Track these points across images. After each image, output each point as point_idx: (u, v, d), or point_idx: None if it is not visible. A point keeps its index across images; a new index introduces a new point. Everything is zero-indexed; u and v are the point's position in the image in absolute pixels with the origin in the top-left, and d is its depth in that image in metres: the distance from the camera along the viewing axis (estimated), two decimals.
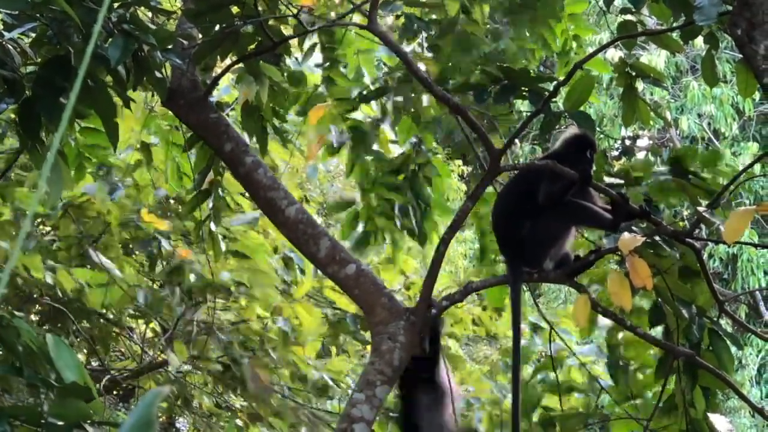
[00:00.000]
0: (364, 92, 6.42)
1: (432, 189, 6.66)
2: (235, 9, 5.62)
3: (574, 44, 6.62)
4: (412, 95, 6.25)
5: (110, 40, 4.42)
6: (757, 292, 19.16)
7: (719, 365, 5.07)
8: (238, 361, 7.54)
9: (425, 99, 6.36)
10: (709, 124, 20.54)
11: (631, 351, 5.61)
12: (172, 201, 7.97)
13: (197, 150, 6.29)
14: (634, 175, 5.32)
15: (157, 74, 4.83)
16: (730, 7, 4.15)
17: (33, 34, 4.62)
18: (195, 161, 6.44)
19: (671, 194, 5.26)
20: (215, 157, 6.20)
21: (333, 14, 6.34)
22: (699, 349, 5.07)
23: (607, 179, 5.46)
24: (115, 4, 4.60)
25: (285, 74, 6.29)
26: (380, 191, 6.61)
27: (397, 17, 6.01)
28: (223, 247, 7.05)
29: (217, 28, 5.64)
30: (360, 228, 6.75)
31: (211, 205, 6.59)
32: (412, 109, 6.31)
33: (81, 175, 5.96)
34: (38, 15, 4.44)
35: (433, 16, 6.26)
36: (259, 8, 5.73)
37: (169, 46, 4.77)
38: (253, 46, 5.76)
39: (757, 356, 18.52)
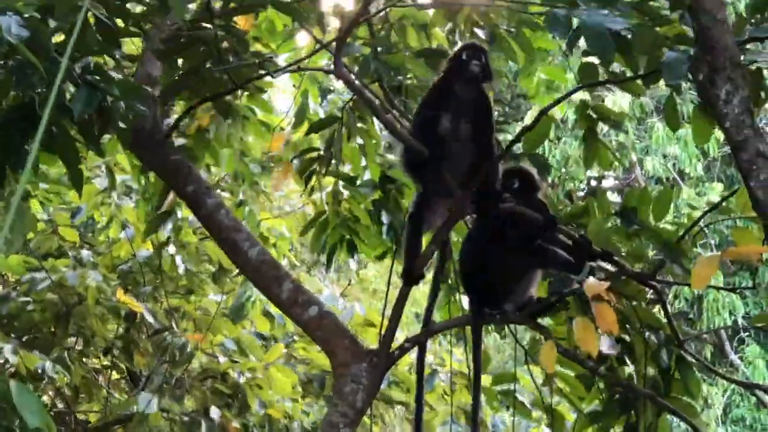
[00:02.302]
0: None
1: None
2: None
3: (543, 88, 6.70)
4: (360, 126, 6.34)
5: (74, 91, 4.42)
6: (722, 332, 19.24)
7: (686, 392, 5.09)
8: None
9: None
10: (674, 164, 20.68)
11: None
12: None
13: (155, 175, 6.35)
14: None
15: (121, 124, 4.82)
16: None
17: None
18: (153, 183, 6.48)
19: (625, 241, 5.29)
20: None
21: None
22: (667, 376, 5.09)
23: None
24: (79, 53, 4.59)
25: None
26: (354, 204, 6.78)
27: (356, 59, 6.01)
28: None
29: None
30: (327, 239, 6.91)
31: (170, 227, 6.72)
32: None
33: None
34: (2, 63, 4.42)
35: None
36: (225, 46, 5.76)
37: (133, 97, 4.77)
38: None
39: (723, 396, 18.57)
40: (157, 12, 5.42)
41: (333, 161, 6.47)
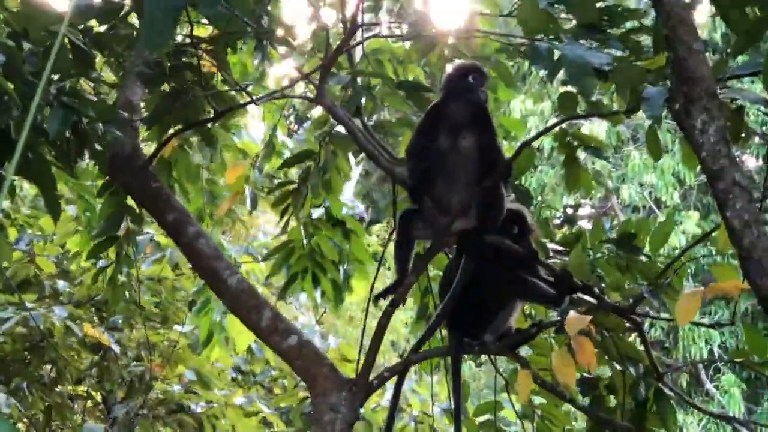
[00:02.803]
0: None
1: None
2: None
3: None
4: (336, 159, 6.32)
5: (49, 112, 4.41)
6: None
7: (663, 425, 5.10)
8: None
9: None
10: (650, 193, 20.76)
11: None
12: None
13: (105, 197, 6.27)
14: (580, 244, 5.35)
15: (97, 146, 4.80)
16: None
17: None
18: (101, 208, 6.43)
19: (616, 272, 5.31)
20: (127, 206, 6.25)
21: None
22: (645, 409, 5.09)
23: (551, 246, 5.50)
24: (56, 76, 4.58)
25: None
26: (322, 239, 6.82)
27: (344, 88, 6.01)
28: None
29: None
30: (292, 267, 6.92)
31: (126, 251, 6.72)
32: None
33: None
34: None
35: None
36: (207, 75, 5.77)
37: (109, 118, 4.76)
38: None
39: (698, 424, 18.58)
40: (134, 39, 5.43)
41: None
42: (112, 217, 6.37)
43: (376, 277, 6.11)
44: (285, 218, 6.55)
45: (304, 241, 6.78)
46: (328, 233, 6.80)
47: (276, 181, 6.83)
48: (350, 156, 6.49)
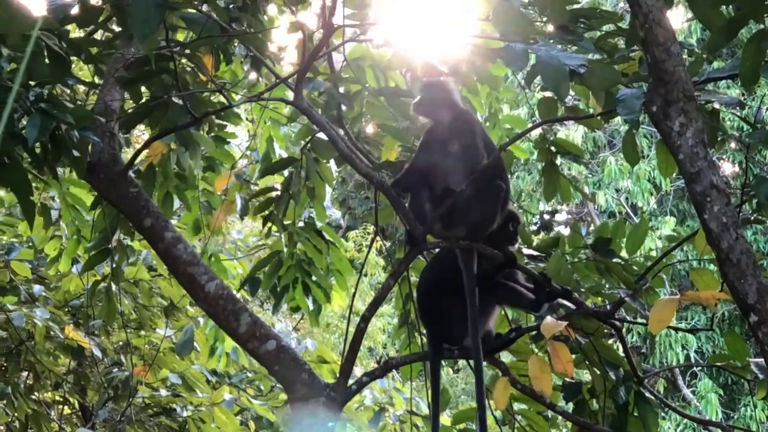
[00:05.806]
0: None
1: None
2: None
3: (498, 105, 6.70)
4: (317, 165, 6.30)
5: (27, 119, 4.39)
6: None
7: (644, 429, 5.10)
8: None
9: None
10: (626, 198, 20.81)
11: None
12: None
13: (100, 209, 6.30)
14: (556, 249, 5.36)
15: (75, 153, 4.78)
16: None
17: None
18: (96, 219, 6.49)
19: (594, 275, 5.31)
20: (120, 218, 6.29)
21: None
22: (626, 412, 5.09)
23: (527, 251, 5.50)
24: (33, 82, 4.55)
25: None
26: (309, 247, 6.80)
27: (319, 94, 5.99)
28: None
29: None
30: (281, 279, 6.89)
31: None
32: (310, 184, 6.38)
33: None
34: None
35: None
36: (188, 79, 5.74)
37: (87, 125, 4.74)
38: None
39: (675, 430, 18.63)
40: (118, 39, 5.39)
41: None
42: (105, 231, 6.40)
43: (357, 284, 6.09)
44: (267, 226, 6.53)
45: (287, 250, 6.75)
46: (313, 241, 6.77)
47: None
48: (332, 163, 6.49)
